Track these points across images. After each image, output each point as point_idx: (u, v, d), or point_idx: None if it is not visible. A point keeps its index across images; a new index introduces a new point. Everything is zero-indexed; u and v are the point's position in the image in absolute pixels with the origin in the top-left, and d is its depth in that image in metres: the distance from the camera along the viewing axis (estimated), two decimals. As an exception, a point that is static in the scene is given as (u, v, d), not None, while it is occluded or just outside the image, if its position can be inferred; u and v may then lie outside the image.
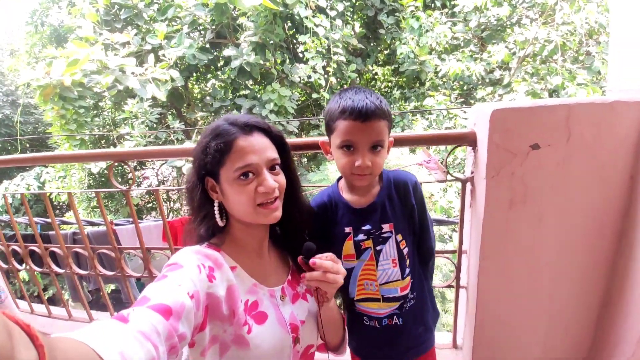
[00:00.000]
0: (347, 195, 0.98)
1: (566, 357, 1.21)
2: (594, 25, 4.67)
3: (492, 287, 1.12)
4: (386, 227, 0.95)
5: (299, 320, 0.83)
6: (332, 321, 0.90)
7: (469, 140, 1.07)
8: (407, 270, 0.97)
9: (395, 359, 1.04)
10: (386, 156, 0.91)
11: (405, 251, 0.96)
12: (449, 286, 1.27)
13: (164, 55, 5.33)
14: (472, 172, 1.11)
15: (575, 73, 4.79)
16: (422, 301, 1.03)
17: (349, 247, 0.96)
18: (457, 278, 1.28)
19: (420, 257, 1.02)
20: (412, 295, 1.00)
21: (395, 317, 0.99)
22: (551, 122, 0.93)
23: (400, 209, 0.96)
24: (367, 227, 0.94)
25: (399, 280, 0.96)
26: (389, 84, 8.00)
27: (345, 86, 7.90)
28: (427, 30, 5.65)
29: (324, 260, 0.75)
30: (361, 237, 0.95)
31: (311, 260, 0.75)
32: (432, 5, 6.54)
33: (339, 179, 1.01)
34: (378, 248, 0.95)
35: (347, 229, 0.96)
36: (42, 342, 0.33)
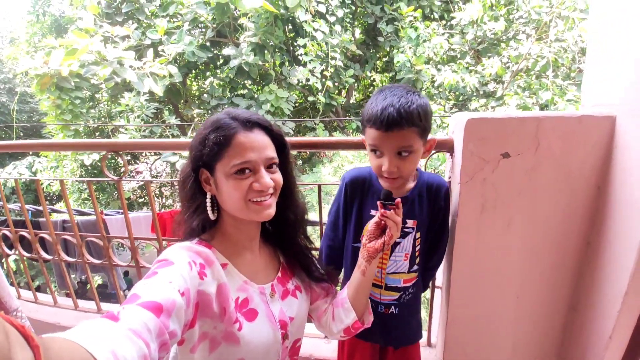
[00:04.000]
0: (382, 182, 0.99)
1: (535, 356, 1.27)
2: (586, 42, 4.81)
3: (463, 287, 1.17)
4: (410, 222, 0.99)
5: (288, 317, 0.84)
6: (369, 284, 0.89)
7: (447, 146, 1.13)
8: (415, 267, 1.03)
9: (384, 344, 1.10)
10: (418, 159, 0.92)
11: (417, 248, 1.01)
12: (425, 286, 1.32)
13: (163, 50, 5.37)
14: (449, 177, 1.17)
15: (566, 89, 4.92)
16: (417, 297, 1.10)
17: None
18: (433, 278, 1.33)
19: (429, 260, 1.08)
20: (412, 290, 1.06)
21: (392, 307, 1.05)
22: (521, 132, 0.99)
23: (427, 209, 1.00)
24: None
25: (405, 272, 1.02)
26: (386, 90, 8.09)
27: (342, 92, 8.00)
28: (424, 41, 5.77)
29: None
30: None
31: (397, 199, 0.84)
32: (431, 16, 6.67)
33: None
34: (397, 240, 0.99)
35: (373, 212, 0.99)
36: (37, 342, 0.34)
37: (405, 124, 0.82)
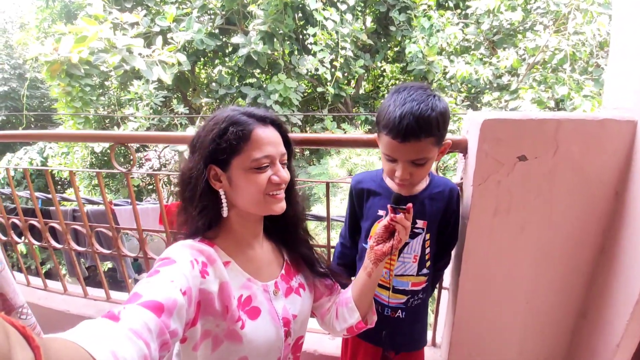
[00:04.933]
0: (390, 182, 0.98)
1: (541, 362, 1.26)
2: (605, 37, 4.64)
3: (471, 290, 1.15)
4: (420, 223, 0.98)
5: (292, 314, 0.84)
6: (374, 285, 0.89)
7: (460, 147, 1.09)
8: (425, 270, 1.01)
9: (387, 347, 1.09)
10: (432, 165, 0.90)
11: (427, 251, 1.00)
12: (432, 286, 1.31)
13: (172, 38, 5.33)
14: (461, 178, 1.14)
15: (583, 84, 4.76)
16: (426, 304, 1.08)
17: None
18: (440, 279, 1.31)
19: (437, 263, 1.07)
20: (421, 295, 1.04)
21: (399, 310, 1.03)
22: (540, 135, 0.96)
23: (438, 211, 0.98)
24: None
25: (413, 275, 1.01)
26: (397, 81, 7.97)
27: (352, 82, 7.89)
28: (438, 30, 5.61)
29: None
30: None
31: (409, 205, 0.82)
32: (446, 4, 6.49)
33: None
34: (406, 241, 0.97)
35: (381, 212, 0.98)
36: (37, 343, 0.34)
37: (423, 135, 0.79)
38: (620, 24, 1.06)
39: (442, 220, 1.01)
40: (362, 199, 1.03)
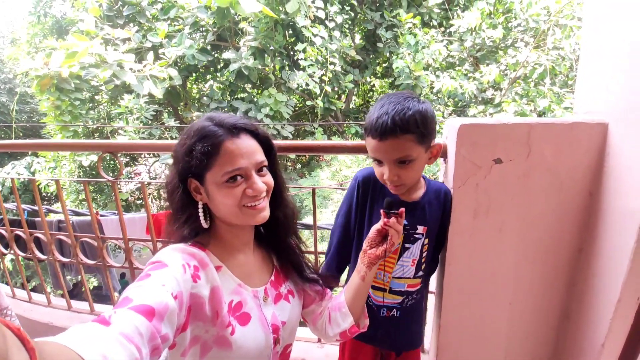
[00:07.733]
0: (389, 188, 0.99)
1: (528, 364, 1.27)
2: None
3: (456, 293, 1.17)
4: (420, 229, 1.00)
5: (281, 321, 0.83)
6: (367, 289, 0.89)
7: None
8: (421, 273, 1.04)
9: (386, 347, 1.09)
10: (421, 167, 0.92)
11: (424, 255, 1.02)
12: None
13: (163, 53, 5.39)
14: (442, 182, 1.17)
15: (563, 97, 4.95)
16: (420, 303, 1.10)
17: None
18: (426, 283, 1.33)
19: (432, 265, 1.09)
20: (416, 296, 1.06)
21: (394, 310, 1.04)
22: (513, 138, 1.00)
23: (436, 215, 1.01)
24: (404, 222, 0.95)
25: (410, 278, 1.03)
26: (385, 96, 8.15)
27: (342, 97, 8.04)
28: (423, 47, 5.81)
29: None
30: None
31: (401, 209, 0.83)
32: (430, 23, 6.73)
33: None
34: (406, 245, 0.99)
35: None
36: (32, 345, 0.35)
37: (399, 132, 0.81)
38: (590, 30, 1.12)
39: (441, 224, 1.04)
40: (367, 193, 1.02)
